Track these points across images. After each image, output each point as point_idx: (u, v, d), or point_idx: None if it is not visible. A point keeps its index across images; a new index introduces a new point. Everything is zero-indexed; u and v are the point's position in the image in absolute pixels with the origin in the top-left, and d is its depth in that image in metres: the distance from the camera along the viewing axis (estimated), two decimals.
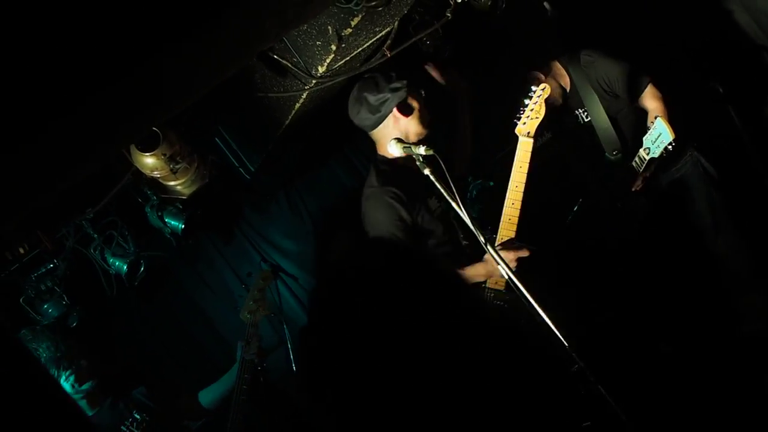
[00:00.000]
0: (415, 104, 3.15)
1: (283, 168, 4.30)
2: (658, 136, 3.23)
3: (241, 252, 4.30)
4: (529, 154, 3.05)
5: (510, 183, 3.02)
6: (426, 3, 3.54)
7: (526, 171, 3.01)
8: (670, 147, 3.20)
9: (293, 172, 4.49)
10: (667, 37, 4.09)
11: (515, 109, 3.19)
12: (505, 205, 3.04)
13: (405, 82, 3.10)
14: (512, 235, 3.01)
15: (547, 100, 3.37)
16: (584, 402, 2.70)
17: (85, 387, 3.03)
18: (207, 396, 3.41)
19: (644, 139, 3.32)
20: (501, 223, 3.05)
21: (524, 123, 3.04)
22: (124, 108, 1.40)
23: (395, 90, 3.08)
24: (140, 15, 1.32)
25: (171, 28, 1.34)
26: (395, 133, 3.12)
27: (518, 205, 3.00)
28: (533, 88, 3.04)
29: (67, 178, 1.58)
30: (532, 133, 3.03)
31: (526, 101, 3.05)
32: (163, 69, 1.40)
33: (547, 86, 3.06)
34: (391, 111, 3.10)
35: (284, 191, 4.54)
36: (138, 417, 3.15)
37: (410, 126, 3.15)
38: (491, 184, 4.58)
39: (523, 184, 3.00)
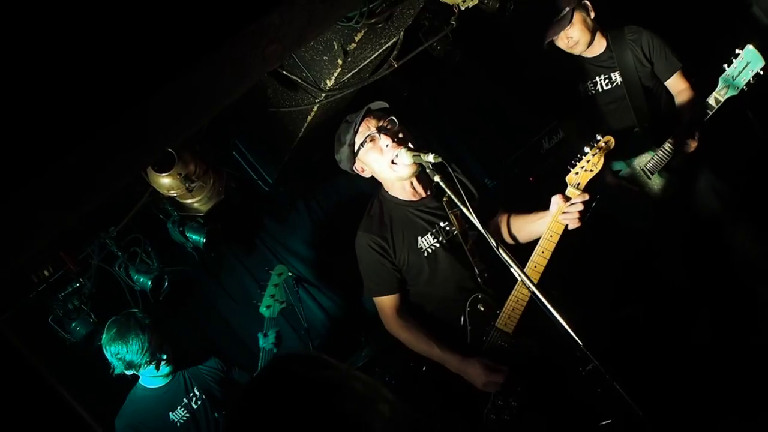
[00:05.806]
0: (365, 165, 2.96)
1: (302, 178, 4.35)
2: (746, 66, 3.09)
3: (262, 262, 4.34)
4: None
5: (545, 231, 2.75)
6: (434, 9, 3.57)
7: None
8: (761, 72, 3.08)
9: (312, 181, 4.54)
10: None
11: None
12: (534, 252, 2.77)
13: (349, 149, 2.89)
14: (536, 277, 2.73)
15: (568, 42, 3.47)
16: (601, 401, 2.72)
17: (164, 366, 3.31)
18: None
19: (721, 78, 3.19)
20: (529, 264, 2.76)
21: (577, 173, 2.69)
22: (130, 139, 1.47)
23: (344, 150, 2.93)
24: (139, 49, 1.39)
25: (171, 60, 1.41)
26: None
27: (548, 255, 2.73)
28: (598, 137, 2.70)
29: (84, 202, 1.64)
30: (582, 185, 2.67)
31: (586, 149, 2.69)
32: (166, 101, 1.47)
33: (611, 139, 2.68)
34: (350, 168, 3.00)
35: (303, 200, 4.60)
36: (198, 393, 3.40)
37: (378, 176, 2.99)
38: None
39: (559, 236, 2.72)
